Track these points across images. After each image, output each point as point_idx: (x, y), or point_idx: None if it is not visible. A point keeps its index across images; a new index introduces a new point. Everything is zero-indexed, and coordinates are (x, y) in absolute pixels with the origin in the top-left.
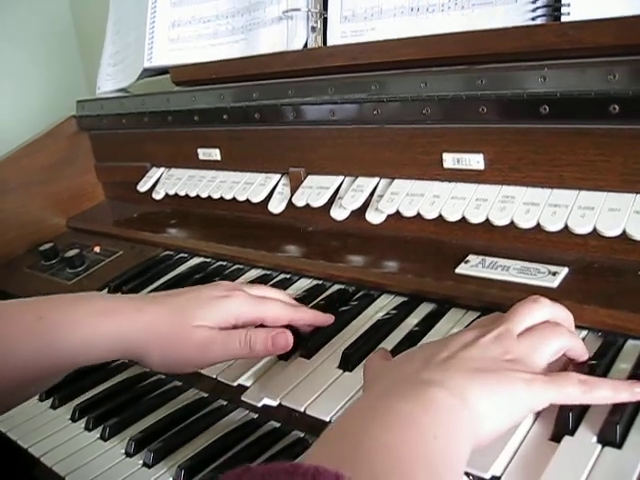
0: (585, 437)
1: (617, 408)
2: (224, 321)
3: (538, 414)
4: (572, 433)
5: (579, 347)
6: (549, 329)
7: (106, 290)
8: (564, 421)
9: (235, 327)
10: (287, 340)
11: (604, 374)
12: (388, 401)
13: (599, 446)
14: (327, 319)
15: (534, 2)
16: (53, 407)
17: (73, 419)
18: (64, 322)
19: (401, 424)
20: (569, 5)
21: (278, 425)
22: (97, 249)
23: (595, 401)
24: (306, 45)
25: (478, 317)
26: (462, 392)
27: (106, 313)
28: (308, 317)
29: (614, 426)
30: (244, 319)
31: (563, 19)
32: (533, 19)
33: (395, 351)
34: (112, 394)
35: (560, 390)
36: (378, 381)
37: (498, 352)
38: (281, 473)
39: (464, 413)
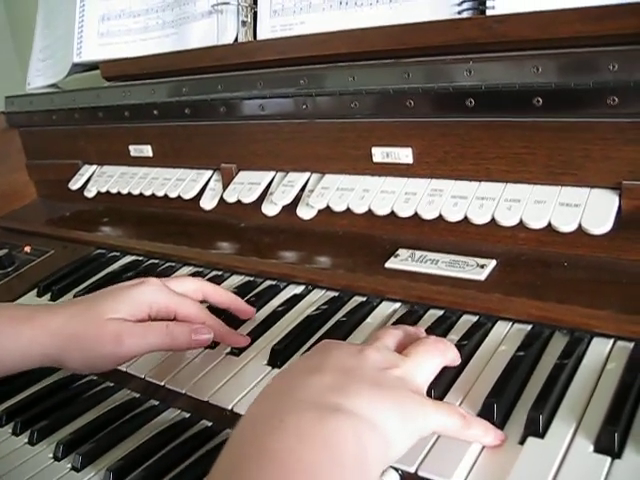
0: (511, 428)
1: (540, 398)
2: (137, 310)
3: None
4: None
5: (455, 359)
6: (430, 345)
7: (35, 291)
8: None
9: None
10: (209, 334)
11: (532, 366)
12: (274, 441)
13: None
14: (243, 340)
15: None
16: None
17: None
18: None
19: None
20: None
21: (210, 424)
22: (27, 249)
23: (468, 438)
24: (236, 39)
25: (407, 311)
26: (371, 416)
27: (20, 321)
28: (222, 330)
29: (537, 416)
30: (157, 307)
31: (488, 13)
32: (459, 13)
33: None
34: (41, 397)
35: (446, 419)
36: (262, 400)
37: (385, 365)
38: None
39: (376, 441)
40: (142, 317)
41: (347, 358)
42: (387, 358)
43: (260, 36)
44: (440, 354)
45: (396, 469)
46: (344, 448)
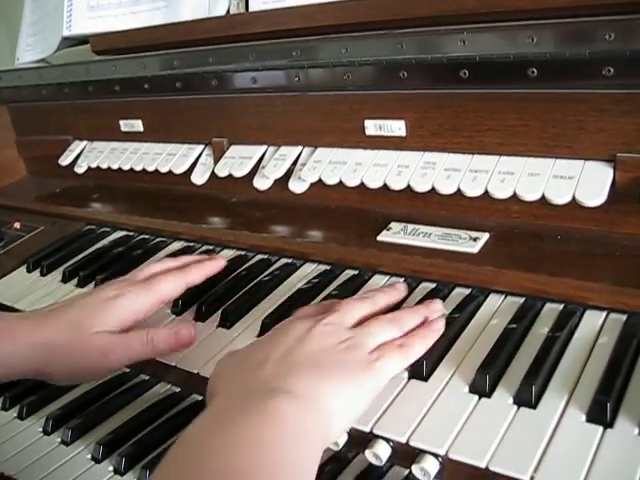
0: (502, 399)
1: (533, 370)
2: (124, 322)
3: None
4: (489, 395)
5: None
6: (384, 320)
7: (25, 266)
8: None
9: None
10: (190, 335)
11: (522, 337)
12: (230, 421)
13: (515, 407)
14: (217, 265)
15: None
16: None
17: None
18: None
19: (244, 445)
20: None
21: (200, 398)
22: (17, 225)
23: (414, 359)
24: (228, 11)
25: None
26: (310, 395)
27: (3, 334)
28: (200, 277)
29: (529, 387)
30: (144, 312)
31: None
32: None
33: None
34: None
35: (391, 365)
36: (221, 393)
37: (334, 341)
38: None
39: (315, 418)
40: (129, 327)
41: (293, 343)
42: (335, 333)
43: (252, 8)
44: (396, 328)
45: (387, 440)
46: (284, 423)
